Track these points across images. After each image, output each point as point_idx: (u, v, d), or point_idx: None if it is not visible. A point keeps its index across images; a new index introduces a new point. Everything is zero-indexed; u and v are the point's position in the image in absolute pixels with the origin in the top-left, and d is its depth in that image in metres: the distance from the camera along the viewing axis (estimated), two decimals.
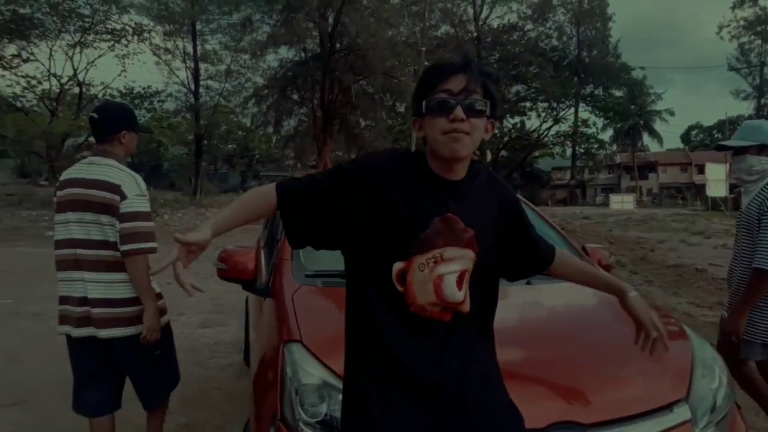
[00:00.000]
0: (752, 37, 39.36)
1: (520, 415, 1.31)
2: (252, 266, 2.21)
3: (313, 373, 1.55)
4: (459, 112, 1.17)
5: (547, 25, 41.18)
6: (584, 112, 44.87)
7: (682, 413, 1.60)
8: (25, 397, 3.51)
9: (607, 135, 45.06)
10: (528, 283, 2.19)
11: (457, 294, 1.21)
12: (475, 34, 37.57)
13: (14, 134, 26.63)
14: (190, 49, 28.51)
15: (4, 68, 24.21)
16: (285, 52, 25.96)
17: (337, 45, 24.08)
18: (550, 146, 43.67)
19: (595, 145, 41.93)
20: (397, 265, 1.20)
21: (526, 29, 39.32)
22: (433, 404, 1.21)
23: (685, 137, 63.39)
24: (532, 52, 37.67)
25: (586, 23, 43.37)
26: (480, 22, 37.86)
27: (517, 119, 43.58)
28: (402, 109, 28.15)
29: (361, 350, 1.26)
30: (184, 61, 28.70)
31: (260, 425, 1.64)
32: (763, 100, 40.93)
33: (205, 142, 31.58)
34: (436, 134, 1.20)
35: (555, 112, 43.04)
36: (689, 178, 48.93)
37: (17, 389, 3.64)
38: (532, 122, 44.30)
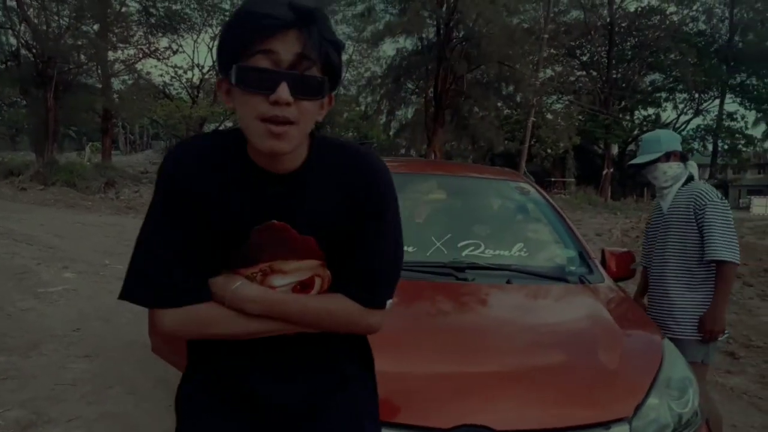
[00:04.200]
0: None
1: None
2: None
3: None
4: (284, 92, 0.86)
5: (694, 7, 37.06)
6: (732, 104, 40.00)
7: None
8: (97, 351, 4.04)
9: (759, 130, 39.83)
10: (508, 281, 2.11)
11: None
12: (608, 19, 34.99)
13: (163, 119, 30.04)
14: None
15: (158, 59, 27.33)
16: (403, 42, 26.29)
17: (453, 34, 23.84)
18: (689, 141, 39.71)
19: (742, 142, 37.32)
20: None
21: (668, 12, 35.79)
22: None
23: None
24: (673, 38, 34.23)
25: (742, 4, 38.37)
26: (615, 6, 35.15)
27: (650, 111, 40.15)
28: (519, 99, 27.21)
29: (200, 360, 1.10)
30: None
31: None
32: None
33: (328, 129, 33.08)
34: (249, 117, 0.89)
35: (696, 104, 39.01)
36: None
37: (94, 344, 4.19)
38: (667, 114, 40.62)
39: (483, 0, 21.83)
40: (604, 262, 2.48)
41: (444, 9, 23.08)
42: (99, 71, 25.41)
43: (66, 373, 3.61)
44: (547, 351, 1.70)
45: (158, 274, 0.97)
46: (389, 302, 1.07)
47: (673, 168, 2.58)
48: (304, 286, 1.03)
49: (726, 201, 2.53)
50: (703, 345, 2.44)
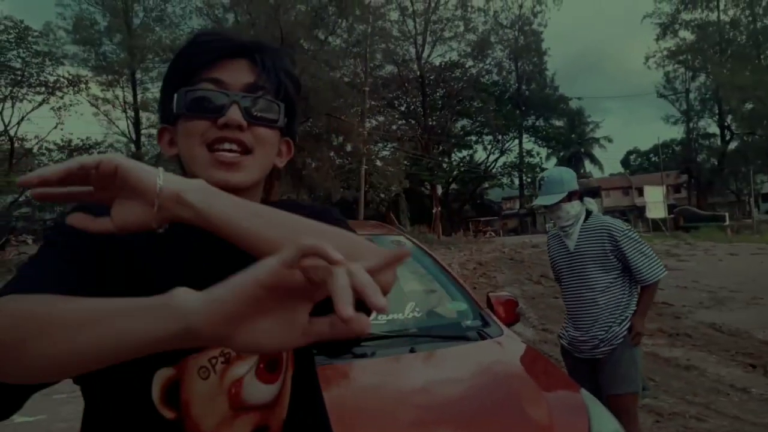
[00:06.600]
0: (676, 65, 41.73)
1: None
2: None
3: None
4: (235, 113, 0.72)
5: (487, 62, 42.63)
6: (528, 143, 46.46)
7: None
8: None
9: (551, 163, 46.54)
10: (412, 350, 1.95)
11: (261, 390, 0.74)
12: (418, 72, 38.45)
13: None
14: (130, 98, 28.11)
15: None
16: None
17: None
18: (499, 177, 44.83)
19: (540, 174, 43.27)
20: (163, 374, 0.71)
21: (467, 66, 40.60)
22: None
23: (625, 162, 66.12)
24: (474, 88, 38.84)
25: (523, 58, 45.12)
26: (423, 61, 38.83)
27: (464, 152, 44.64)
28: (349, 148, 28.23)
29: None
30: (124, 111, 28.25)
31: None
32: (691, 124, 43.16)
33: None
34: (193, 148, 0.73)
35: (500, 144, 44.41)
36: (631, 201, 50.80)
37: None
38: (479, 155, 45.49)
39: (305, 56, 22.50)
40: (490, 308, 2.46)
41: None
42: None
43: None
44: (482, 419, 1.56)
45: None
46: None
47: (575, 207, 2.68)
48: (271, 366, 0.76)
49: (630, 226, 2.75)
50: (633, 368, 2.57)
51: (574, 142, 48.46)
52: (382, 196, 33.81)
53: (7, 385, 0.55)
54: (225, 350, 0.73)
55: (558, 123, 48.14)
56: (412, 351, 1.92)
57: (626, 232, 2.62)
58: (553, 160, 47.49)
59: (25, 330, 0.49)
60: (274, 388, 0.75)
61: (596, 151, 50.48)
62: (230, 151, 0.73)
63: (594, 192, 52.14)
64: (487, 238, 32.91)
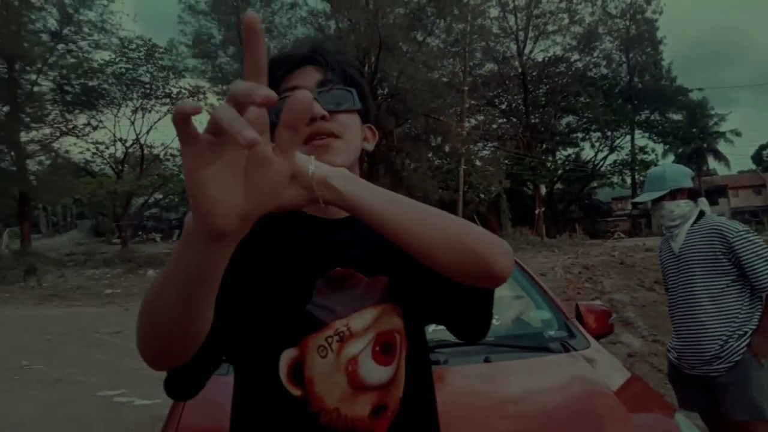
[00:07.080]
0: None
1: None
2: None
3: None
4: (316, 107, 0.82)
5: (594, 54, 40.29)
6: (641, 139, 43.18)
7: None
8: None
9: (668, 160, 42.99)
10: (486, 359, 1.88)
11: (378, 371, 0.82)
12: (519, 69, 37.31)
13: (87, 197, 28.57)
14: None
15: (77, 136, 26.26)
16: None
17: (378, 91, 24.49)
18: (608, 176, 42.23)
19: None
20: (288, 355, 0.82)
21: (572, 60, 38.72)
22: None
23: (757, 157, 59.48)
24: (580, 83, 36.96)
25: (635, 49, 42.10)
26: (524, 57, 37.61)
27: (570, 151, 42.57)
28: (448, 149, 28.07)
29: None
30: None
31: None
32: None
33: None
34: None
35: (610, 141, 41.75)
36: (764, 200, 45.62)
37: None
38: (586, 153, 43.14)
39: (403, 58, 22.72)
40: (579, 318, 2.31)
41: (366, 68, 23.78)
42: (12, 154, 24.02)
43: None
44: None
45: None
46: None
47: (680, 206, 2.42)
48: (386, 348, 0.84)
49: (748, 227, 2.42)
50: (761, 391, 2.25)
51: (695, 137, 44.40)
52: (482, 196, 33.19)
53: (187, 367, 0.70)
54: (339, 329, 0.83)
55: (676, 117, 44.34)
56: (486, 361, 1.85)
57: (741, 232, 2.32)
58: (671, 157, 43.85)
59: (148, 307, 0.63)
60: (390, 369, 0.84)
61: (722, 146, 45.81)
62: (322, 138, 0.84)
63: (719, 191, 47.54)
64: (615, 239, 31.06)
